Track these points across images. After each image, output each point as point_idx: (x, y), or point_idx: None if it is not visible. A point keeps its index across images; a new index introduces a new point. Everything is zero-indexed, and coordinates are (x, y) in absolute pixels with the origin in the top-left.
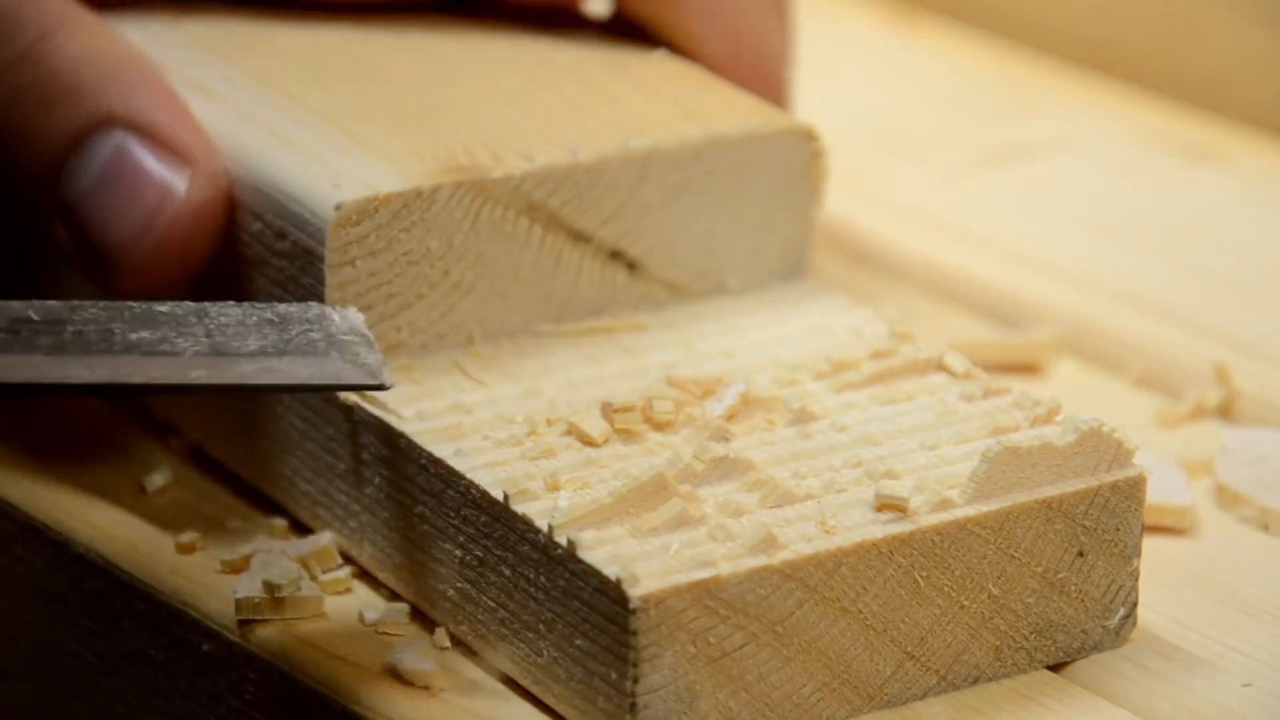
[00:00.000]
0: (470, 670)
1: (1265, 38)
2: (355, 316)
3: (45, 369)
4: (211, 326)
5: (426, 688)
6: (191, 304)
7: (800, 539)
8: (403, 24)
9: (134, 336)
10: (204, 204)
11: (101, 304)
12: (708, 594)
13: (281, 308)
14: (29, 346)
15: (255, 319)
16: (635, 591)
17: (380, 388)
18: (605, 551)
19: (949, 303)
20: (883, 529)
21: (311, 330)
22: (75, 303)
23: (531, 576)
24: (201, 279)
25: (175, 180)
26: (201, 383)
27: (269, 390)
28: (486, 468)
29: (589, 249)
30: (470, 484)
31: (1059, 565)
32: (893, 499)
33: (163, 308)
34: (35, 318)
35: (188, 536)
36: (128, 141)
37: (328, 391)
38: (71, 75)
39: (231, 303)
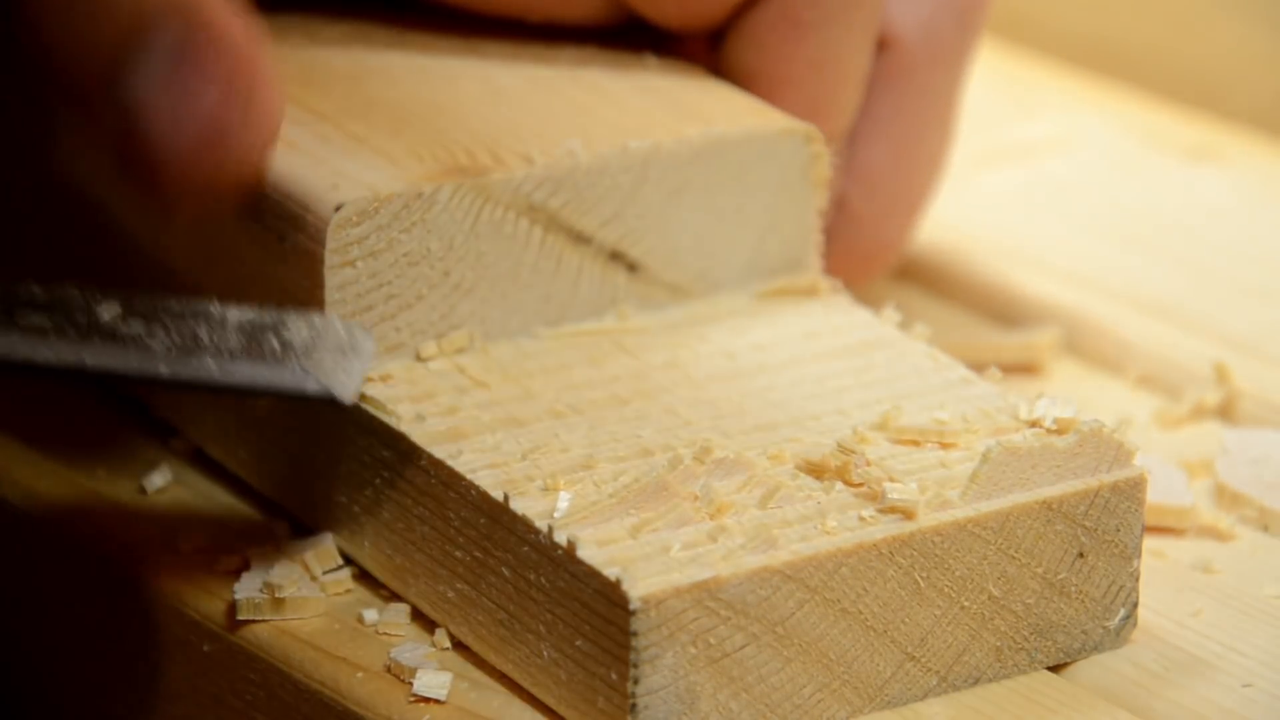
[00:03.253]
0: (470, 671)
1: (1265, 38)
2: (359, 331)
3: (15, 348)
4: (203, 325)
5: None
6: (201, 302)
7: (800, 539)
8: (403, 24)
9: (121, 328)
10: (259, 100)
11: (114, 292)
12: (708, 594)
13: (286, 314)
14: (11, 326)
15: (251, 322)
16: (635, 592)
17: (335, 403)
18: (605, 552)
19: (949, 303)
20: (883, 530)
21: (296, 337)
22: (87, 289)
23: (531, 577)
24: (201, 280)
25: (233, 77)
26: (164, 376)
27: (226, 391)
28: (487, 469)
29: (589, 250)
30: (470, 485)
31: (1059, 566)
32: (902, 503)
33: (173, 303)
34: (40, 298)
35: (188, 536)
36: (182, 37)
37: (285, 398)
38: None
39: (237, 305)
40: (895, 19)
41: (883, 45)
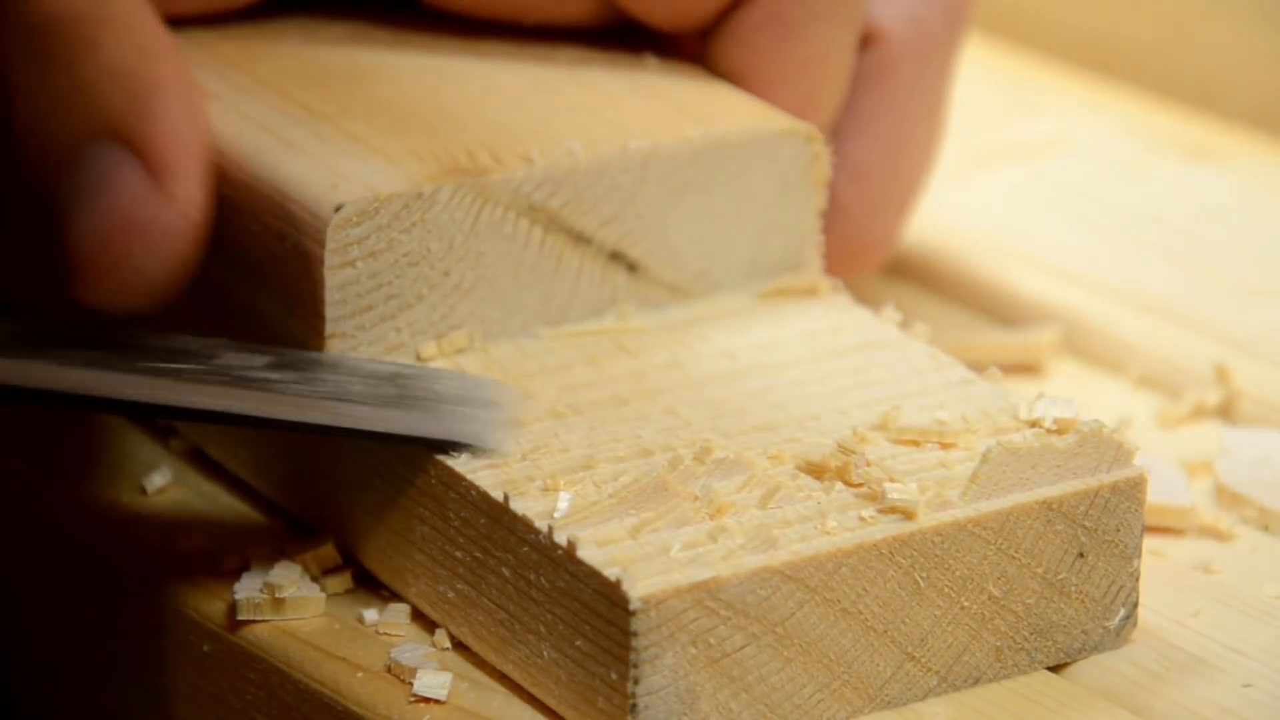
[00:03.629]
0: (470, 671)
1: (1265, 38)
2: (492, 383)
3: (159, 391)
4: (340, 376)
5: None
6: (334, 355)
7: (800, 539)
8: (403, 24)
9: (271, 375)
10: (161, 229)
11: (264, 346)
12: (708, 595)
13: (419, 367)
14: (161, 371)
15: (388, 372)
16: (635, 592)
17: (481, 450)
18: (605, 552)
19: (949, 302)
20: (883, 530)
21: (435, 386)
22: (228, 341)
23: (532, 578)
24: (206, 279)
25: (139, 201)
26: (313, 422)
27: (371, 438)
28: (487, 469)
29: (589, 250)
30: (470, 485)
31: (1059, 566)
32: (902, 503)
33: (315, 355)
34: (190, 348)
35: (188, 536)
36: (117, 155)
37: (430, 446)
38: (98, 89)
39: (368, 360)
40: (882, 13)
41: (870, 40)
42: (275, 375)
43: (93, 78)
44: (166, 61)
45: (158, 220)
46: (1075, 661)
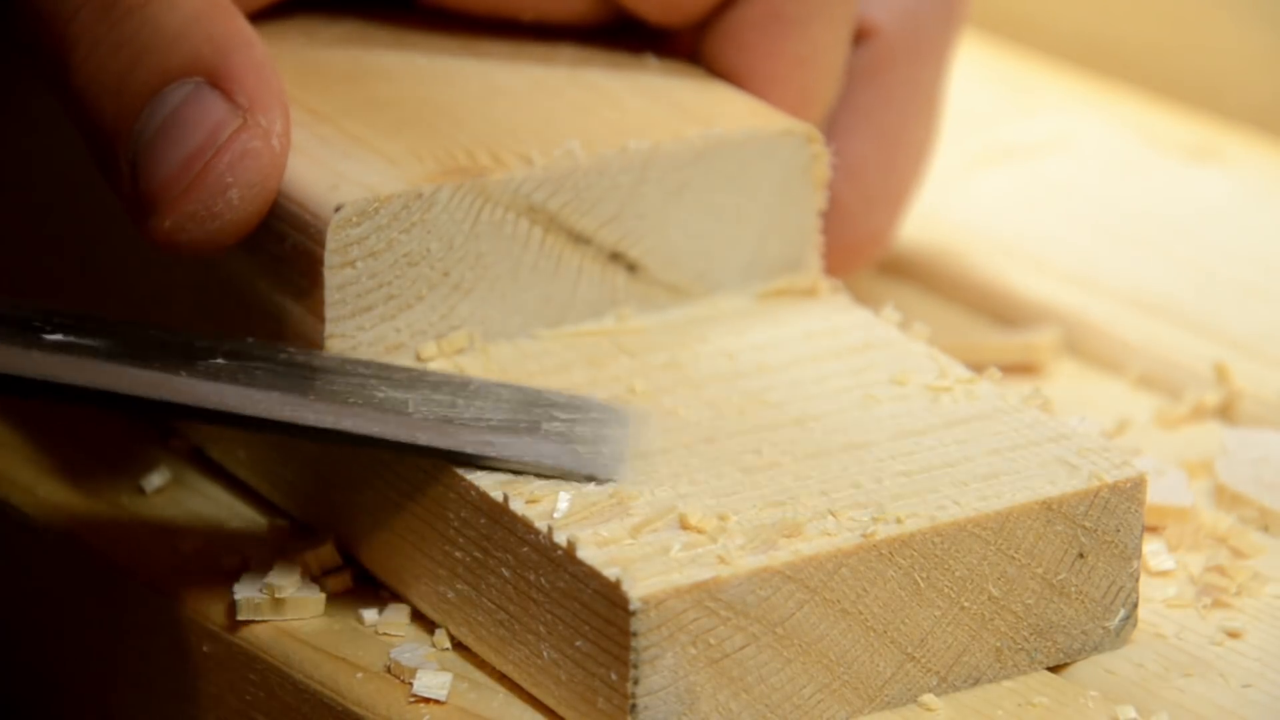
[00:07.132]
0: (470, 672)
1: (1265, 38)
2: (614, 409)
3: (282, 408)
4: (464, 397)
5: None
6: (459, 376)
7: (801, 540)
8: (403, 24)
9: (380, 394)
10: (246, 152)
11: (372, 364)
12: (708, 595)
13: (557, 394)
14: (279, 386)
15: (516, 399)
16: (635, 592)
17: (592, 479)
18: (605, 552)
19: (949, 302)
20: (883, 530)
21: (561, 415)
22: (348, 359)
23: (531, 578)
24: (207, 279)
25: (225, 124)
26: (422, 444)
27: (495, 466)
28: (486, 469)
29: (589, 251)
30: (470, 485)
31: (1059, 566)
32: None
33: (433, 376)
34: (313, 364)
35: (188, 536)
36: (199, 89)
37: (546, 475)
38: (176, 32)
39: (502, 383)
40: (877, 8)
41: (865, 36)
42: (382, 394)
43: (171, 23)
44: (236, 14)
45: (242, 144)
46: (1075, 662)
